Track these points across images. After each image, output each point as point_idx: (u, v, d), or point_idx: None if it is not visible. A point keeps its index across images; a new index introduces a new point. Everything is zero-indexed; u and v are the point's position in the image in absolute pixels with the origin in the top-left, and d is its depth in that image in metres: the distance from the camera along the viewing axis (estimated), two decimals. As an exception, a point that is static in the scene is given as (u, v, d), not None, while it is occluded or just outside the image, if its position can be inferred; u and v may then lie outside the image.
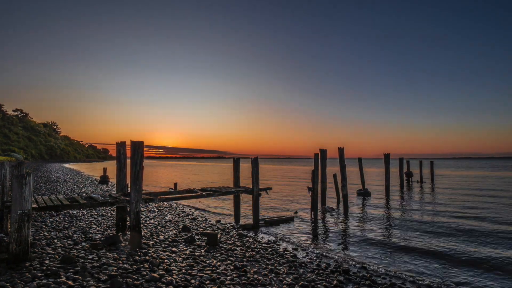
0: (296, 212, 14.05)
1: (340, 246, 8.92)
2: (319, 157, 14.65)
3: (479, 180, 35.05)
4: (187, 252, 7.33)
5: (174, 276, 5.66)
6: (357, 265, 7.04)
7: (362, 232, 10.95)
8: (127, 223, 9.11)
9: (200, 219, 12.16)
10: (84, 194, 17.27)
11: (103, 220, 10.83)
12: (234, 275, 5.91)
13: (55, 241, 7.79)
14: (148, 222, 10.93)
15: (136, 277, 5.48)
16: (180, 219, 11.89)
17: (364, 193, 20.18)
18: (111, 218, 11.18)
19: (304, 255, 7.66)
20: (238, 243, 8.42)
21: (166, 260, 6.57)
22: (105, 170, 29.60)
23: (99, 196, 8.60)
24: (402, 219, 13.37)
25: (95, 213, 12.16)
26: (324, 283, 5.71)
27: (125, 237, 8.34)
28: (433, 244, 9.23)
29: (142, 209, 13.45)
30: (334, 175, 17.72)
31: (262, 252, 7.69)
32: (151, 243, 8.00)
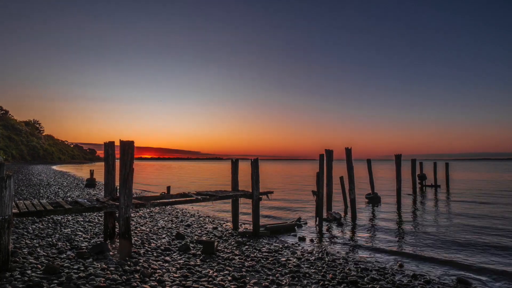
0: (299, 218, 14.05)
1: (347, 255, 8.92)
2: (325, 158, 14.65)
3: (499, 185, 35.05)
4: (181, 261, 7.33)
5: (167, 288, 5.66)
6: (366, 276, 7.03)
7: (370, 240, 10.96)
8: (116, 230, 9.11)
9: (195, 225, 12.16)
10: (69, 199, 17.27)
11: (90, 227, 10.83)
12: (232, 286, 5.91)
13: (38, 249, 7.79)
14: (138, 228, 10.93)
15: (125, 289, 5.48)
16: (173, 225, 11.90)
17: (373, 197, 20.18)
18: (99, 225, 11.18)
19: (308, 265, 7.66)
20: (237, 252, 8.42)
21: (158, 270, 6.57)
22: (92, 172, 29.61)
23: (85, 200, 8.60)
24: (415, 226, 13.38)
25: (81, 219, 12.16)
26: (330, 295, 5.71)
27: (113, 245, 8.34)
28: (450, 258, 9.24)
29: (132, 214, 13.45)
30: (341, 178, 17.72)
31: (262, 261, 7.69)
32: (142, 251, 8.00)
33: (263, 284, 6.17)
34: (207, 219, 13.78)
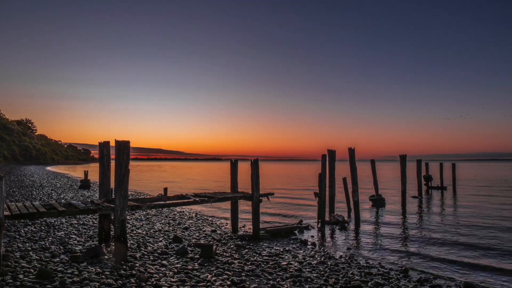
0: (301, 221, 14.05)
1: (351, 259, 8.91)
2: (327, 159, 14.64)
3: (508, 187, 35.06)
4: (179, 265, 7.34)
5: (164, 293, 5.66)
6: (370, 280, 7.03)
7: (374, 243, 10.96)
8: (111, 233, 9.11)
9: (193, 228, 12.16)
10: (63, 201, 17.26)
11: (84, 230, 10.83)
12: (232, 291, 5.91)
13: (30, 253, 7.79)
14: (134, 231, 10.93)
15: (121, 294, 5.48)
16: (170, 228, 11.90)
17: (377, 199, 20.17)
18: (93, 228, 11.19)
19: (310, 269, 7.66)
20: (236, 256, 8.42)
21: (155, 275, 6.57)
22: (86, 173, 29.60)
23: (79, 202, 8.60)
24: (420, 230, 13.41)
25: (75, 221, 12.17)
26: (332, 301, 5.70)
27: (108, 249, 8.34)
28: (456, 263, 9.25)
29: (128, 217, 13.44)
30: (344, 179, 17.71)
31: (263, 265, 7.69)
32: (138, 255, 8.00)
33: (264, 289, 6.17)
34: (205, 222, 13.78)
